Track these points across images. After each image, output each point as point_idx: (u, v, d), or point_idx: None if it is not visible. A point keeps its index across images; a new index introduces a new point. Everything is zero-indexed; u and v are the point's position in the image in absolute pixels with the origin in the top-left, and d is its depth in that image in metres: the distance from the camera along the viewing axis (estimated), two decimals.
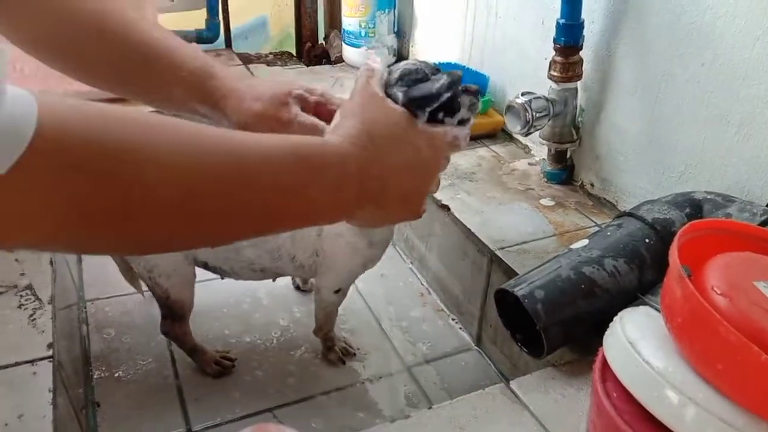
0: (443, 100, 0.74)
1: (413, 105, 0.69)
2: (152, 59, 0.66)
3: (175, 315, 0.93)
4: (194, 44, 0.77)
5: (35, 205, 0.37)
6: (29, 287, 0.80)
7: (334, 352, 1.02)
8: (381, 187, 0.57)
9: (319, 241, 0.88)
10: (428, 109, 0.75)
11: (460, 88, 0.78)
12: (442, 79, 0.73)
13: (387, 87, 0.74)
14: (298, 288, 1.14)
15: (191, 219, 0.45)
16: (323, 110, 0.74)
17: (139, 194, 0.41)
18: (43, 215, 0.38)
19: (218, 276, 0.95)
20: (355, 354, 1.04)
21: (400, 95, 0.69)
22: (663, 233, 0.78)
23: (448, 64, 1.37)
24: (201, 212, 0.45)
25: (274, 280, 1.02)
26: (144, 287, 0.97)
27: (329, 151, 0.53)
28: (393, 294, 1.05)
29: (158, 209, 0.43)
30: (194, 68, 0.69)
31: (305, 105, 0.73)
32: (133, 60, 0.64)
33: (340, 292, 0.95)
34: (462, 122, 0.81)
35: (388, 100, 0.63)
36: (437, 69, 0.79)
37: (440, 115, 0.76)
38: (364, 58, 1.65)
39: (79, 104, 0.40)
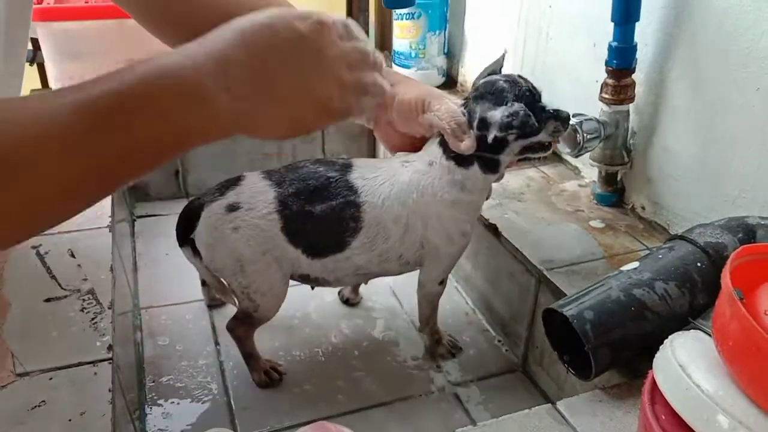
0: (506, 130, 0.82)
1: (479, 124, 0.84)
2: None
3: (251, 323, 0.95)
4: None
5: None
6: (91, 292, 0.84)
7: (442, 345, 1.05)
8: (258, 74, 0.51)
9: (426, 232, 0.91)
10: (494, 133, 0.82)
11: (548, 110, 0.86)
12: (512, 110, 0.80)
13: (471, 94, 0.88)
14: (346, 302, 1.16)
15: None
16: None
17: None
18: None
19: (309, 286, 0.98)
20: (461, 348, 1.07)
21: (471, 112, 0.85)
22: (715, 257, 0.77)
23: None
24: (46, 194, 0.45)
25: (366, 283, 1.05)
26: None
27: (187, 79, 0.48)
28: (438, 313, 1.06)
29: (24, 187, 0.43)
30: None
31: None
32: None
33: (443, 282, 0.98)
34: (540, 146, 0.88)
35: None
36: (527, 92, 0.87)
37: (509, 138, 0.84)
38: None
39: None
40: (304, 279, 0.95)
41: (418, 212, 0.89)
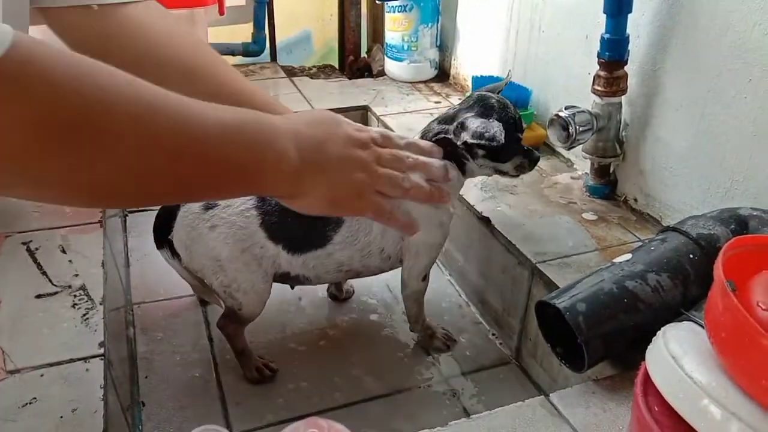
0: (476, 138, 0.84)
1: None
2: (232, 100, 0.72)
3: (238, 321, 0.95)
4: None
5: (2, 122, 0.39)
6: (83, 288, 0.84)
7: (437, 338, 1.05)
8: (317, 151, 0.63)
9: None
10: (465, 138, 0.84)
11: (522, 145, 0.89)
12: (488, 124, 0.86)
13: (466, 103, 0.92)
14: (335, 298, 1.16)
15: (141, 170, 0.48)
16: None
17: (98, 130, 0.44)
18: (8, 133, 0.39)
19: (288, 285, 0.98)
20: (456, 341, 1.07)
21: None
22: (708, 249, 0.77)
23: (491, 78, 1.38)
24: (151, 167, 0.48)
25: (344, 282, 1.04)
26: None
27: (274, 128, 0.59)
28: (431, 306, 1.06)
29: (113, 153, 0.45)
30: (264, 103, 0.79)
31: None
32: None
33: (426, 278, 0.98)
34: (501, 174, 0.92)
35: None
36: (511, 119, 0.90)
37: (479, 152, 0.86)
38: (407, 72, 1.68)
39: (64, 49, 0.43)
40: (284, 277, 0.94)
41: (399, 205, 0.89)
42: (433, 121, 0.92)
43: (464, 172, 0.91)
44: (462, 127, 0.87)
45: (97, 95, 0.44)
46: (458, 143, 0.87)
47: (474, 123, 0.86)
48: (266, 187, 0.61)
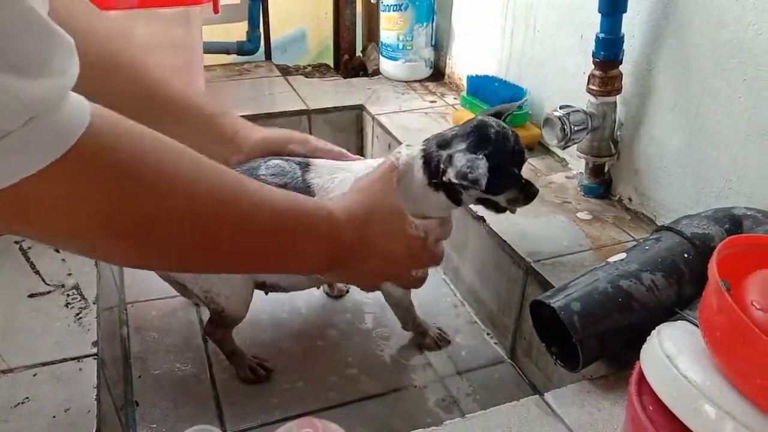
0: (459, 179, 0.82)
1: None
2: (164, 99, 0.73)
3: (224, 324, 0.94)
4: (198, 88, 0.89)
5: (72, 199, 0.41)
6: (76, 287, 0.83)
7: (429, 336, 1.05)
8: (356, 262, 0.70)
9: None
10: (450, 176, 0.83)
11: (520, 177, 0.89)
12: (475, 163, 0.81)
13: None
14: (328, 295, 1.16)
15: (201, 251, 0.52)
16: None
17: (165, 218, 0.47)
18: (76, 209, 0.42)
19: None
20: (449, 341, 1.07)
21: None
22: (702, 248, 0.77)
23: (485, 77, 1.38)
24: (212, 247, 0.52)
25: (318, 288, 1.04)
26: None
27: (327, 222, 0.65)
28: (426, 305, 1.06)
29: (177, 237, 0.49)
30: (206, 104, 0.80)
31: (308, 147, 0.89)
32: (143, 97, 0.69)
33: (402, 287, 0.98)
34: (493, 205, 0.91)
35: (397, 196, 0.77)
36: (509, 152, 0.86)
37: (461, 187, 0.85)
38: (402, 71, 1.68)
39: (133, 123, 0.44)
40: (261, 286, 0.94)
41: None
42: (433, 139, 0.87)
43: (459, 201, 0.86)
44: (449, 161, 0.82)
45: (162, 191, 0.47)
46: (444, 179, 0.83)
47: (460, 161, 0.80)
48: (320, 257, 0.66)
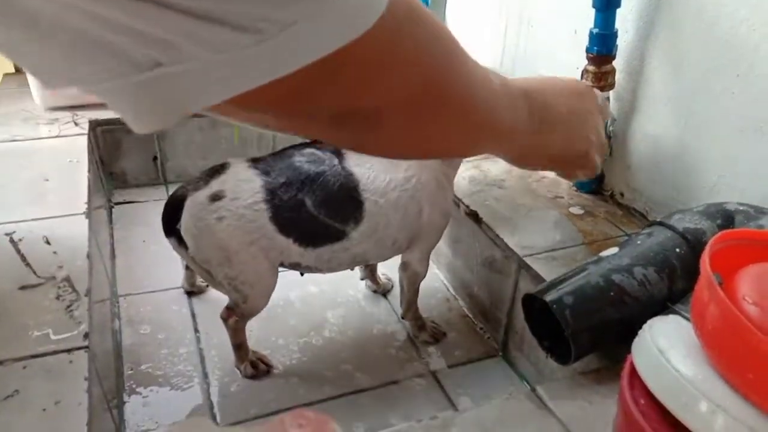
0: None
1: None
2: None
3: (242, 314, 0.94)
4: None
5: (390, 60, 0.38)
6: (67, 279, 0.83)
7: (425, 331, 1.06)
8: (551, 107, 0.61)
9: (420, 214, 0.93)
10: None
11: None
12: None
13: None
14: (374, 291, 1.17)
15: (453, 135, 0.50)
16: None
17: (442, 102, 0.45)
18: (391, 72, 0.39)
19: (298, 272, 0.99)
20: (445, 334, 1.08)
21: None
22: (694, 243, 0.77)
23: None
24: (460, 132, 0.50)
25: (352, 270, 1.05)
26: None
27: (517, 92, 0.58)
28: (419, 300, 1.06)
29: (446, 121, 0.47)
30: None
31: None
32: None
33: (426, 262, 1.00)
34: None
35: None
36: None
37: None
38: None
39: None
40: (294, 266, 0.94)
41: (415, 196, 0.91)
42: None
43: None
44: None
45: (443, 68, 0.45)
46: None
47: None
48: (509, 140, 0.60)
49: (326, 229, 0.89)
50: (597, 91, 0.66)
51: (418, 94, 0.43)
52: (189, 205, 0.87)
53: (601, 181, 1.15)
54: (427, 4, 1.62)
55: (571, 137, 0.63)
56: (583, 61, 1.06)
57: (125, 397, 0.92)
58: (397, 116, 0.43)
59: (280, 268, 0.93)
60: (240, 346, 0.97)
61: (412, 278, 1.01)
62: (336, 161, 0.88)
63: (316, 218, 0.87)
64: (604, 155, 0.69)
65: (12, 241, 0.90)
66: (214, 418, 0.90)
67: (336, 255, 0.91)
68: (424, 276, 1.02)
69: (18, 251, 0.88)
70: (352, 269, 1.04)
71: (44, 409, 0.64)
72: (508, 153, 0.61)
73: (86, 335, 0.74)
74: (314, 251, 0.90)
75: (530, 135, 0.59)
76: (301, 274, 0.99)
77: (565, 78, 0.65)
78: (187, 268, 1.10)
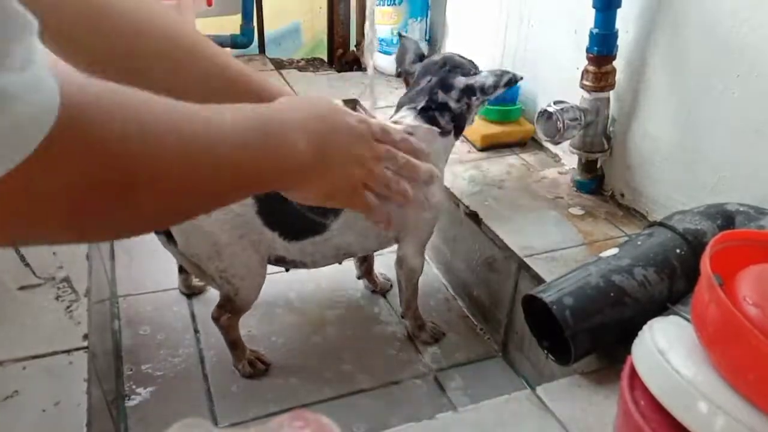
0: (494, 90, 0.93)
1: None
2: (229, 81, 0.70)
3: (233, 309, 0.94)
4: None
5: (53, 188, 0.38)
6: (66, 279, 0.83)
7: (425, 331, 1.06)
8: (324, 160, 0.59)
9: (402, 208, 0.92)
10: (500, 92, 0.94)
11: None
12: (496, 71, 0.94)
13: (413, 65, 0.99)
14: (374, 291, 1.17)
15: (183, 197, 0.48)
16: None
17: (146, 186, 0.43)
18: (60, 197, 0.39)
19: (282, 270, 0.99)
20: (444, 334, 1.07)
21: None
22: (694, 244, 0.77)
23: None
24: (191, 191, 0.48)
25: (340, 263, 1.05)
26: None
27: (284, 125, 0.56)
28: (418, 300, 1.06)
29: (159, 200, 0.45)
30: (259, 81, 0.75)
31: None
32: (215, 87, 0.66)
33: (422, 256, 1.00)
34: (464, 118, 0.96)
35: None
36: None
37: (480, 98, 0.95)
38: (396, 66, 1.67)
39: (104, 86, 0.41)
40: (280, 261, 0.95)
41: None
42: (409, 106, 0.96)
43: (462, 129, 0.96)
44: (470, 90, 0.93)
45: (145, 149, 0.43)
46: (477, 102, 0.94)
47: (489, 78, 0.93)
48: (275, 185, 0.59)
49: (308, 222, 0.90)
50: (347, 109, 0.62)
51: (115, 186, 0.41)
52: None
53: (601, 181, 1.15)
54: (427, 5, 1.62)
55: (340, 173, 0.61)
56: (583, 62, 1.05)
57: (124, 398, 0.92)
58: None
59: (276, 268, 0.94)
60: (235, 344, 0.97)
61: (408, 274, 1.00)
62: None
63: (299, 212, 0.88)
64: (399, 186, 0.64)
65: None
66: (213, 418, 0.90)
67: (318, 248, 0.93)
68: (421, 272, 1.01)
69: (17, 251, 0.87)
70: (340, 263, 1.04)
71: (44, 410, 0.64)
72: (282, 187, 0.60)
73: (86, 336, 0.74)
74: (297, 244, 0.91)
75: (305, 171, 0.57)
76: (286, 270, 1.00)
77: (309, 99, 0.62)
78: (180, 270, 1.10)
